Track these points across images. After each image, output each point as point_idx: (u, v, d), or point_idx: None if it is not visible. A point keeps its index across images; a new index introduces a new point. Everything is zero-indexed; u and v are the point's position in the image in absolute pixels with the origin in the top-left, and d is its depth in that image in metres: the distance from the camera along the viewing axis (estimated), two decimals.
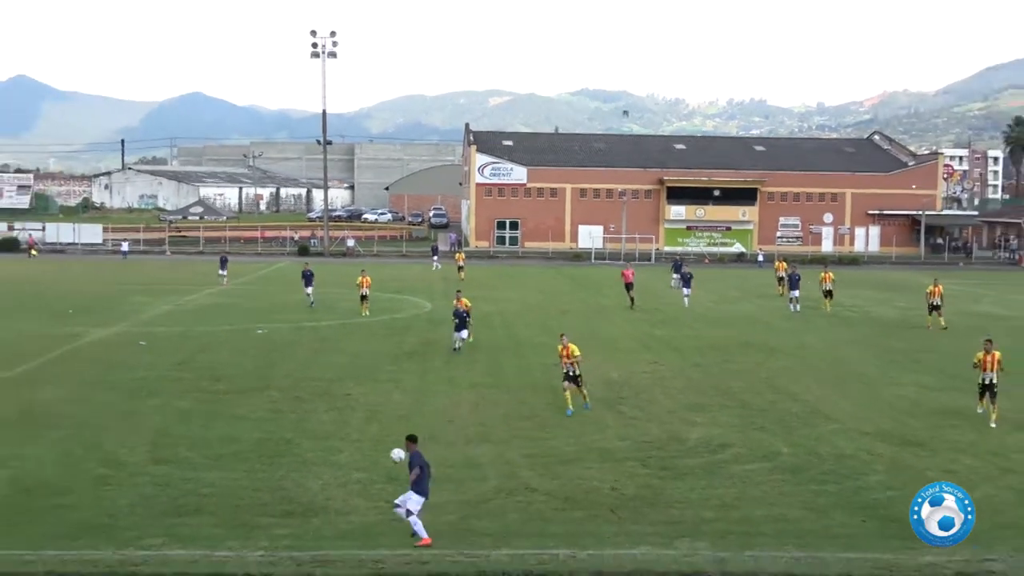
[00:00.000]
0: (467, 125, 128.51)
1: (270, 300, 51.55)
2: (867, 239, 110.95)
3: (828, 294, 52.12)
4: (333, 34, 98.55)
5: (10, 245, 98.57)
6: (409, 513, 16.88)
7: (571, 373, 27.20)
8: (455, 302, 38.25)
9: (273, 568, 15.54)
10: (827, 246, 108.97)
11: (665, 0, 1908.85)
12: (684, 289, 55.08)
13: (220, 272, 63.46)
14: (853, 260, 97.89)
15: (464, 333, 37.04)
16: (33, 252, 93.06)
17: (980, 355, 26.21)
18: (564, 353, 27.39)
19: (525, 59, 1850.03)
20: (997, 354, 25.98)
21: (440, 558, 15.95)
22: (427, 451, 22.61)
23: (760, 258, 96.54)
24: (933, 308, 45.35)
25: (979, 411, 26.49)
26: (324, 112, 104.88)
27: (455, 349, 36.86)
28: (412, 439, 17.96)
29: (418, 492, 17.06)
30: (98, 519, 17.76)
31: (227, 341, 39.42)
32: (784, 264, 64.66)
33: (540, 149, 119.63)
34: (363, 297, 48.43)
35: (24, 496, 19.07)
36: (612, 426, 25.51)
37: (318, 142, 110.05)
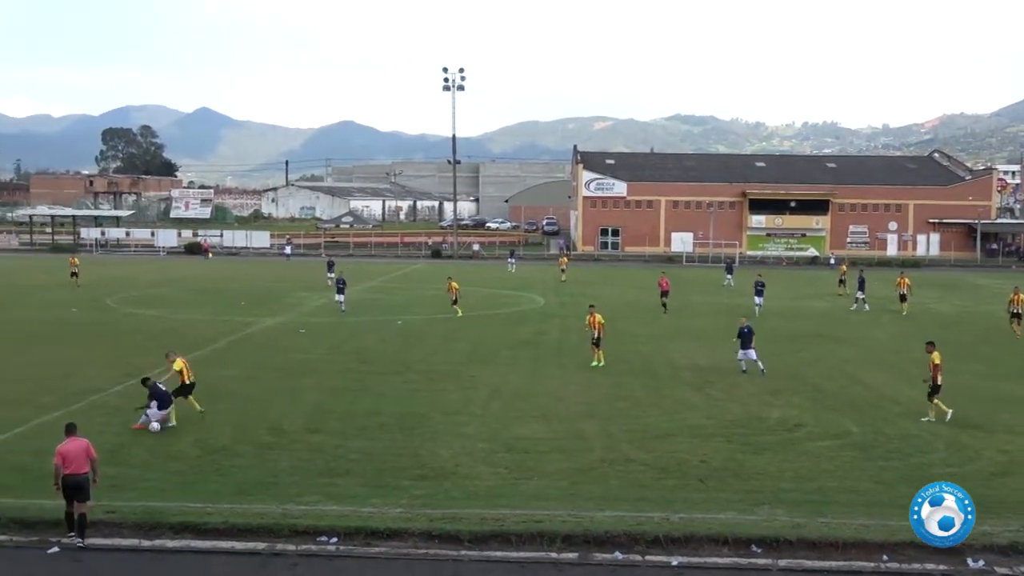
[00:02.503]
0: (575, 147, 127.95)
1: (407, 296, 51.95)
2: (928, 244, 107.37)
3: (903, 298, 48.59)
4: (461, 70, 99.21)
5: (195, 249, 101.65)
6: (148, 419, 21.33)
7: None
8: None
9: (410, 523, 15.60)
10: (891, 251, 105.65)
11: (749, 36, 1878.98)
12: (756, 298, 47.56)
13: (328, 275, 59.88)
14: (915, 263, 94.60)
15: (752, 353, 30.07)
16: (209, 255, 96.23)
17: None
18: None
19: (625, 89, 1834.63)
20: (934, 356, 23.42)
21: (552, 518, 15.84)
22: (542, 425, 22.73)
23: (832, 261, 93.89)
24: (1014, 315, 40.04)
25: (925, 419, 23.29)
26: (454, 137, 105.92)
27: (743, 371, 30.07)
28: (144, 381, 22.27)
29: (160, 408, 21.47)
30: (264, 478, 18.10)
31: (371, 330, 39.81)
32: (845, 267, 63.10)
33: (638, 167, 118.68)
34: (453, 301, 45.17)
35: (206, 457, 19.58)
36: (700, 407, 25.08)
37: (449, 162, 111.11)
